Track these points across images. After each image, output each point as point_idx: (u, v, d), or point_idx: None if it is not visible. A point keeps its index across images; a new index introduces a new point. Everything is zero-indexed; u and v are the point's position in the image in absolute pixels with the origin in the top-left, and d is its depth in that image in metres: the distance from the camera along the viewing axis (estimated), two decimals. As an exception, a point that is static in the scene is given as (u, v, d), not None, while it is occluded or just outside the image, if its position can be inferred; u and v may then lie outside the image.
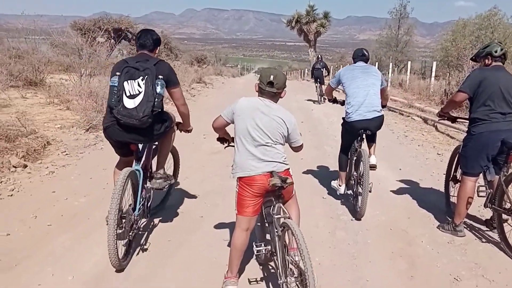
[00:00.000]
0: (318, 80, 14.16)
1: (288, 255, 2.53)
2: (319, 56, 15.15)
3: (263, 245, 2.78)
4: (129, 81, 3.08)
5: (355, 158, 4.33)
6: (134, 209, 3.25)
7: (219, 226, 3.79)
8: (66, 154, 5.97)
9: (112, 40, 23.57)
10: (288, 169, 2.72)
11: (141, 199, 3.35)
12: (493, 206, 3.52)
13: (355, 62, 4.51)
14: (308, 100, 15.00)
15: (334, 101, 4.86)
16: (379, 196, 4.69)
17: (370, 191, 3.91)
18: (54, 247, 3.35)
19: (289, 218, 2.55)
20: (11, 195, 4.38)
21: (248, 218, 2.67)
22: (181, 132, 3.85)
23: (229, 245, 2.91)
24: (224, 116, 2.77)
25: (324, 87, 11.60)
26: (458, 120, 4.10)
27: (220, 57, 56.00)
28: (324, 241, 3.59)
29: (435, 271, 3.18)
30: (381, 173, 5.67)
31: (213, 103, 13.91)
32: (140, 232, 3.56)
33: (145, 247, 3.41)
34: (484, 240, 3.66)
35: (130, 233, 3.21)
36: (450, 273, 3.13)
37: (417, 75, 21.42)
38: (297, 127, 2.75)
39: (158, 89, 3.12)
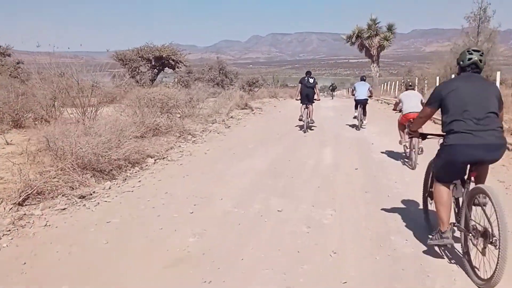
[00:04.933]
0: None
1: None
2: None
3: None
4: (309, 78, 11.78)
5: (356, 114, 12.35)
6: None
7: None
8: None
9: (155, 70, 22.06)
10: None
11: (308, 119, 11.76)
12: (457, 225, 3.46)
13: (361, 80, 12.93)
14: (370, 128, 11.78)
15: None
16: None
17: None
18: None
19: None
20: None
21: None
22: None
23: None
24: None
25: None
26: (428, 137, 3.92)
27: (278, 78, 53.48)
28: None
29: None
30: None
31: (246, 136, 11.11)
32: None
33: None
34: None
35: None
36: None
37: (507, 86, 17.30)
38: None
39: (315, 84, 11.92)
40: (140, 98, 10.13)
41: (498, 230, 2.88)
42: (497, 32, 22.62)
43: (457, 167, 3.36)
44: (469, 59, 3.37)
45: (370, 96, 12.27)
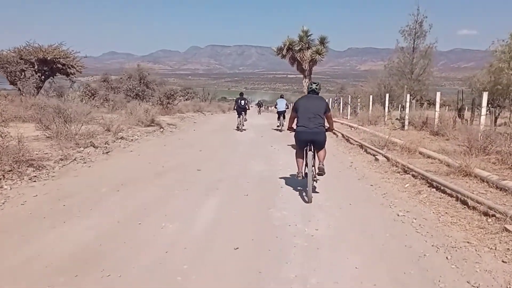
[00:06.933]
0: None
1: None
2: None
3: None
4: (240, 100, 17.75)
5: (278, 123, 18.61)
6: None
7: None
8: None
9: (43, 76, 18.10)
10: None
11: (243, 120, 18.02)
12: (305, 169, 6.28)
13: (280, 97, 19.55)
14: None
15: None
16: None
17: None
18: None
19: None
20: None
21: None
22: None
23: None
24: None
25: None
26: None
27: (209, 91, 50.56)
28: None
29: None
30: None
31: (115, 170, 7.99)
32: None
33: None
34: None
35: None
36: None
37: (444, 108, 15.75)
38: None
39: (246, 104, 18.08)
40: None
41: (309, 170, 5.98)
42: (432, 49, 21.32)
43: (301, 142, 6.22)
44: (310, 87, 6.59)
45: (287, 108, 18.17)
